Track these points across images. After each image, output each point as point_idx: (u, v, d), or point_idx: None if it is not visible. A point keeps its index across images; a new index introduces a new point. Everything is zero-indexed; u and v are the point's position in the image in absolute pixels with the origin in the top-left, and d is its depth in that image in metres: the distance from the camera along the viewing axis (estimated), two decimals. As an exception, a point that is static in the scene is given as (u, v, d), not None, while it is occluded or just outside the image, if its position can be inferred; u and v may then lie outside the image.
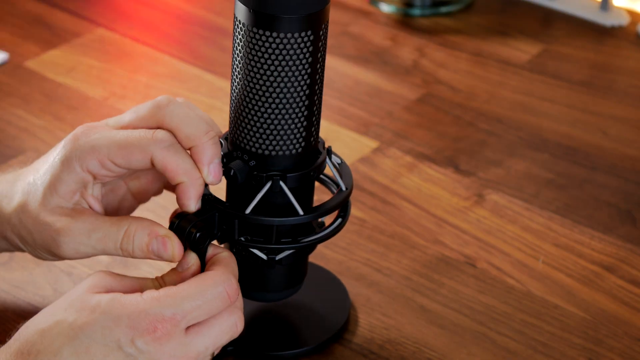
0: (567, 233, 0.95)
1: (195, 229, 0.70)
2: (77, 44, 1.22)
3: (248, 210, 0.71)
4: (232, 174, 0.71)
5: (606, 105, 1.14)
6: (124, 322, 0.65)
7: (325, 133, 1.08)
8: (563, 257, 0.93)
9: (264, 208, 0.72)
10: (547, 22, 1.29)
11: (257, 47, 0.66)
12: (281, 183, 0.71)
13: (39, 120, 1.08)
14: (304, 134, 0.71)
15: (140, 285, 0.70)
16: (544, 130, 1.09)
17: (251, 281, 0.76)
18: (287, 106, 0.69)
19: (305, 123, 0.70)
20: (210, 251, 0.72)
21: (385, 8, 1.31)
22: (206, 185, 0.72)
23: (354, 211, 0.97)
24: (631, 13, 1.29)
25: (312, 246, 0.77)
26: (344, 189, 0.75)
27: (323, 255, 0.92)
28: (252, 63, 0.67)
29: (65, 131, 1.07)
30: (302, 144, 0.71)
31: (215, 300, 0.68)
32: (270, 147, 0.70)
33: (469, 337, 0.84)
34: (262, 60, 0.67)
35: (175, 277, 0.71)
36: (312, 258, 0.92)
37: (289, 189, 0.71)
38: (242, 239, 0.73)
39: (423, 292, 0.89)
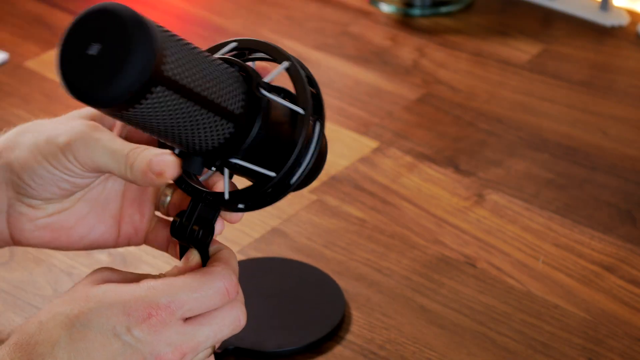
0: (567, 233, 0.95)
1: (197, 227, 0.71)
2: (77, 44, 1.22)
3: (227, 196, 0.71)
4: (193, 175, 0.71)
5: (606, 105, 1.14)
6: (117, 308, 0.65)
7: (326, 133, 1.08)
8: (563, 257, 0.93)
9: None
10: (547, 22, 1.29)
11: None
12: (235, 160, 0.70)
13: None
14: (221, 120, 0.70)
15: (140, 280, 0.70)
16: (544, 130, 1.09)
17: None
18: (185, 124, 0.68)
19: (207, 122, 0.70)
20: (212, 249, 0.72)
21: (385, 8, 1.31)
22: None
23: (354, 211, 0.97)
24: (631, 13, 1.29)
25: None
26: (301, 112, 0.73)
27: (323, 255, 0.92)
28: (137, 126, 0.67)
29: (65, 131, 1.07)
30: (229, 126, 0.71)
31: (214, 295, 0.68)
32: (210, 141, 0.70)
33: (469, 337, 0.84)
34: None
35: (176, 273, 0.71)
36: (312, 258, 0.92)
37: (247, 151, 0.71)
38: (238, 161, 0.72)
39: (423, 292, 0.89)
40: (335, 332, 0.84)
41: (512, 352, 0.83)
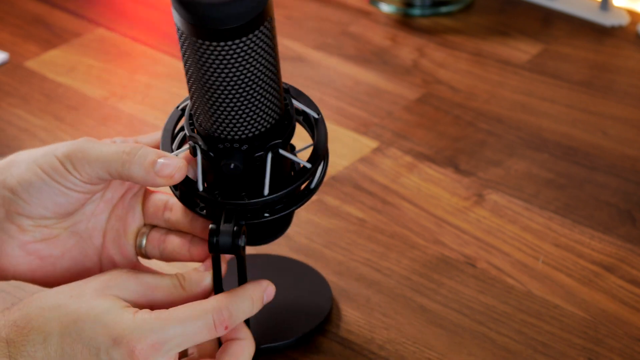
0: (567, 233, 0.95)
1: (237, 238, 0.70)
2: (77, 44, 1.22)
3: (267, 191, 0.71)
4: (232, 167, 0.71)
5: (606, 105, 1.14)
6: (109, 333, 0.66)
7: (325, 133, 1.08)
8: (563, 257, 0.93)
9: (273, 179, 0.72)
10: (547, 22, 1.29)
11: (210, 58, 0.66)
12: (281, 151, 0.71)
13: (39, 120, 1.09)
14: (276, 102, 0.71)
15: (156, 287, 0.70)
16: (544, 130, 1.09)
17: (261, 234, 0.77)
18: (259, 89, 0.68)
19: (275, 94, 0.70)
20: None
21: (385, 8, 1.31)
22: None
23: (354, 211, 0.97)
24: (631, 13, 1.29)
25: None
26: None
27: (323, 255, 0.92)
28: (208, 73, 0.67)
29: (65, 131, 1.07)
30: (278, 111, 0.71)
31: (201, 329, 0.68)
32: (259, 125, 0.70)
33: (469, 337, 0.84)
34: (217, 68, 0.66)
35: (197, 277, 0.72)
36: (312, 258, 0.92)
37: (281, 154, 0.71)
38: (267, 214, 0.73)
39: (423, 292, 0.89)
40: (323, 326, 0.84)
41: (512, 352, 0.83)
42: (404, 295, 0.88)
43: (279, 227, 0.78)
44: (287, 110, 0.73)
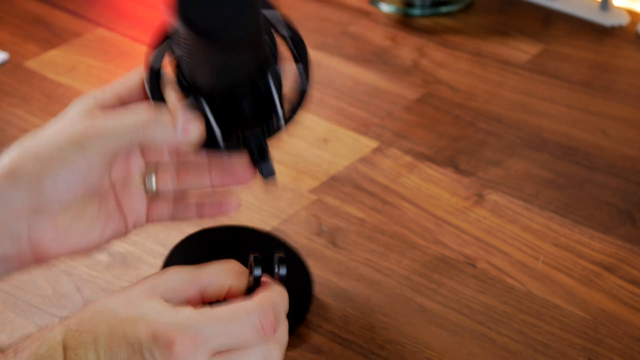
0: (567, 233, 0.95)
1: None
2: (77, 44, 1.22)
3: (283, 123, 0.72)
4: (245, 105, 0.72)
5: (606, 105, 1.14)
6: (150, 329, 0.65)
7: (326, 133, 1.08)
8: (563, 257, 0.93)
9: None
10: (547, 22, 1.29)
11: None
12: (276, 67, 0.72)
13: (39, 120, 1.09)
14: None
15: (211, 290, 0.69)
16: (544, 130, 1.09)
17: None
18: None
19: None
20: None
21: (385, 8, 1.31)
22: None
23: (354, 211, 0.97)
24: (631, 13, 1.29)
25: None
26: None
27: (323, 255, 0.92)
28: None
29: (65, 131, 1.07)
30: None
31: (247, 330, 0.66)
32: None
33: (469, 337, 0.84)
34: None
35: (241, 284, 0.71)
36: (312, 258, 0.92)
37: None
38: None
39: (423, 292, 0.89)
40: (305, 313, 0.85)
41: (512, 352, 0.83)
42: (404, 295, 0.88)
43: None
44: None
